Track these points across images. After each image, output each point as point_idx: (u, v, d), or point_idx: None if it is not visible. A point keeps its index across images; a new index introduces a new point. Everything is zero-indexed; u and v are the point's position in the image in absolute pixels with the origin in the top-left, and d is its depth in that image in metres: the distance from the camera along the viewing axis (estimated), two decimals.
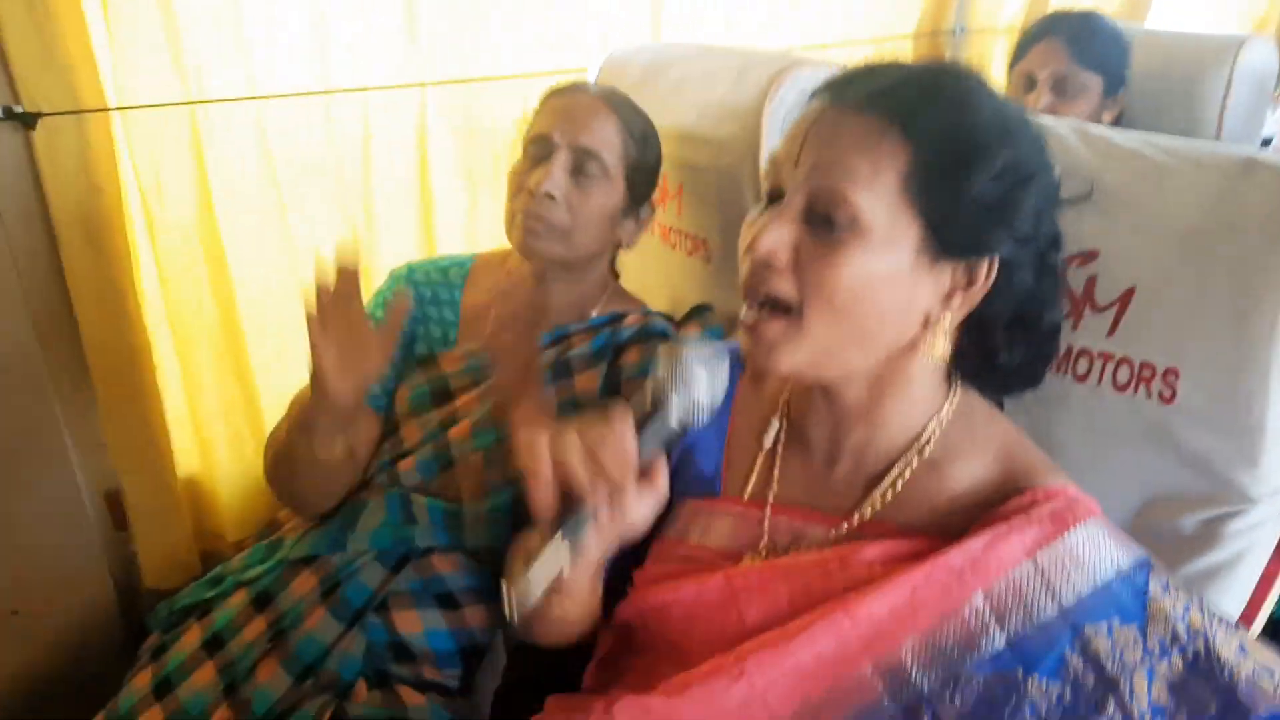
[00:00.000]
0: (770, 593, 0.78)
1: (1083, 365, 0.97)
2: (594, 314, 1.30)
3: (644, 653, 0.86)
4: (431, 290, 1.35)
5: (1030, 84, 1.84)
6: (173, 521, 1.53)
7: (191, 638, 1.20)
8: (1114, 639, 0.69)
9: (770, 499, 0.86)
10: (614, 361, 1.23)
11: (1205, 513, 0.90)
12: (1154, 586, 0.71)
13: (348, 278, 1.01)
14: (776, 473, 0.86)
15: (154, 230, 1.46)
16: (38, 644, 1.46)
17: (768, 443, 0.88)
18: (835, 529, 0.81)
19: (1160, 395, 0.91)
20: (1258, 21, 2.70)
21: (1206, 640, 0.68)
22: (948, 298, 0.75)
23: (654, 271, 1.56)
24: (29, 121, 1.30)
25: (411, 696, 1.12)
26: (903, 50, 2.30)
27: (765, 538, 0.84)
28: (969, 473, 0.79)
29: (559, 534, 0.70)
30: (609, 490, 0.71)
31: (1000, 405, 0.87)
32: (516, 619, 0.69)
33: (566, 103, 1.25)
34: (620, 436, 0.71)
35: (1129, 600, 0.70)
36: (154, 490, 1.51)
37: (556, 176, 1.19)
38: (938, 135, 0.72)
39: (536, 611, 0.76)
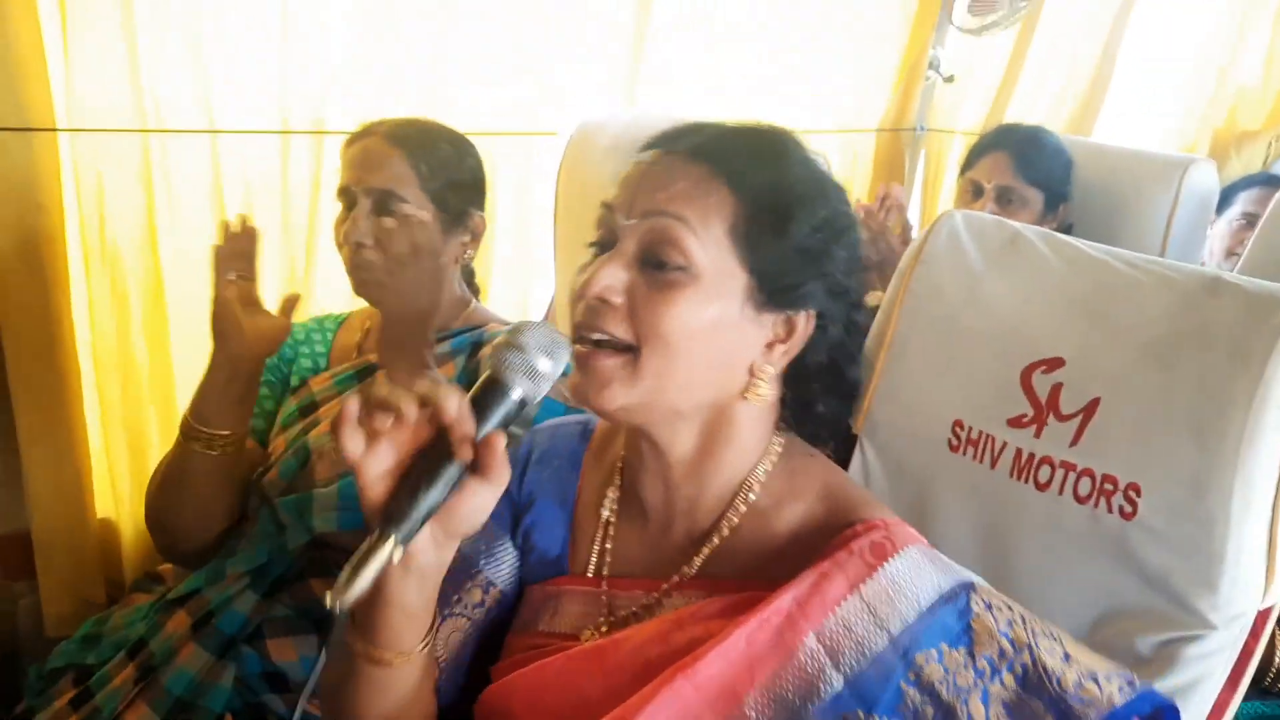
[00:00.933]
0: (609, 667, 0.76)
1: (1044, 474, 0.96)
2: (455, 327, 1.34)
3: None
4: (305, 332, 1.41)
5: (977, 192, 1.93)
6: (85, 561, 1.45)
7: (62, 699, 1.18)
8: (944, 664, 0.69)
9: (605, 572, 0.85)
10: (472, 355, 1.27)
11: (1162, 635, 0.88)
12: (976, 605, 0.72)
13: (244, 238, 1.16)
14: (611, 544, 0.86)
15: (89, 257, 1.39)
16: None
17: (605, 514, 0.87)
18: (668, 588, 0.81)
19: (1121, 510, 0.90)
20: (1189, 145, 2.84)
21: (1032, 653, 0.69)
22: (770, 348, 0.78)
23: None
24: None
25: None
26: (865, 143, 2.36)
27: (605, 612, 0.83)
28: (793, 515, 0.80)
29: (383, 533, 0.64)
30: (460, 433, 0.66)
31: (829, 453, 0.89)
32: (340, 609, 0.63)
33: (356, 151, 1.27)
34: (455, 401, 0.66)
35: (954, 622, 0.71)
36: (69, 528, 1.43)
37: (360, 225, 1.21)
38: (761, 188, 0.75)
39: (369, 624, 0.72)
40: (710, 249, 0.74)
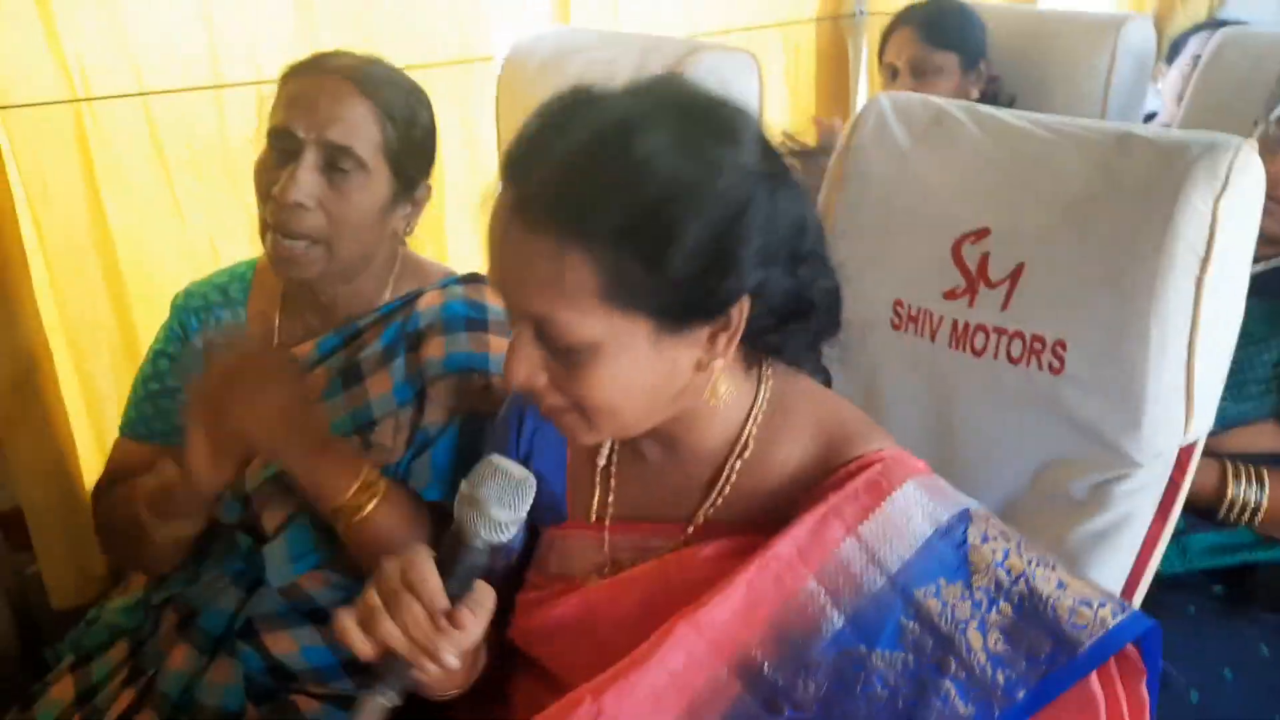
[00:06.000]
0: (617, 607, 0.80)
1: (980, 340, 1.01)
2: (385, 298, 1.17)
3: (522, 675, 0.89)
4: (212, 315, 1.22)
5: (893, 73, 1.97)
6: (80, 538, 1.48)
7: (64, 691, 1.15)
8: (942, 598, 0.72)
9: (607, 519, 0.87)
10: (411, 353, 1.12)
11: (1093, 477, 0.94)
12: (973, 537, 0.74)
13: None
14: (612, 493, 0.88)
15: (42, 232, 1.40)
16: None
17: (601, 461, 0.88)
18: (673, 539, 0.83)
19: (1050, 366, 0.95)
20: (1134, 3, 2.82)
21: (1027, 581, 0.71)
22: (710, 343, 0.74)
23: None
24: None
25: (306, 703, 1.08)
26: (806, 34, 2.34)
27: (608, 556, 0.86)
28: (790, 459, 0.81)
29: (376, 689, 0.71)
30: (421, 650, 0.71)
31: (827, 382, 0.89)
32: None
33: (308, 87, 1.06)
34: (421, 585, 0.71)
35: (950, 555, 0.73)
36: (60, 505, 1.45)
37: (304, 181, 1.02)
38: (619, 233, 0.66)
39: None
40: (594, 322, 0.68)
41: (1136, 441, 0.91)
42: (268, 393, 0.98)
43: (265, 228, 1.07)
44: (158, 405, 1.22)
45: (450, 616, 0.70)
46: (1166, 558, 0.99)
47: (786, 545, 0.73)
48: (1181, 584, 1.19)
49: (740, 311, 0.72)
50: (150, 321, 1.50)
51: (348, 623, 0.71)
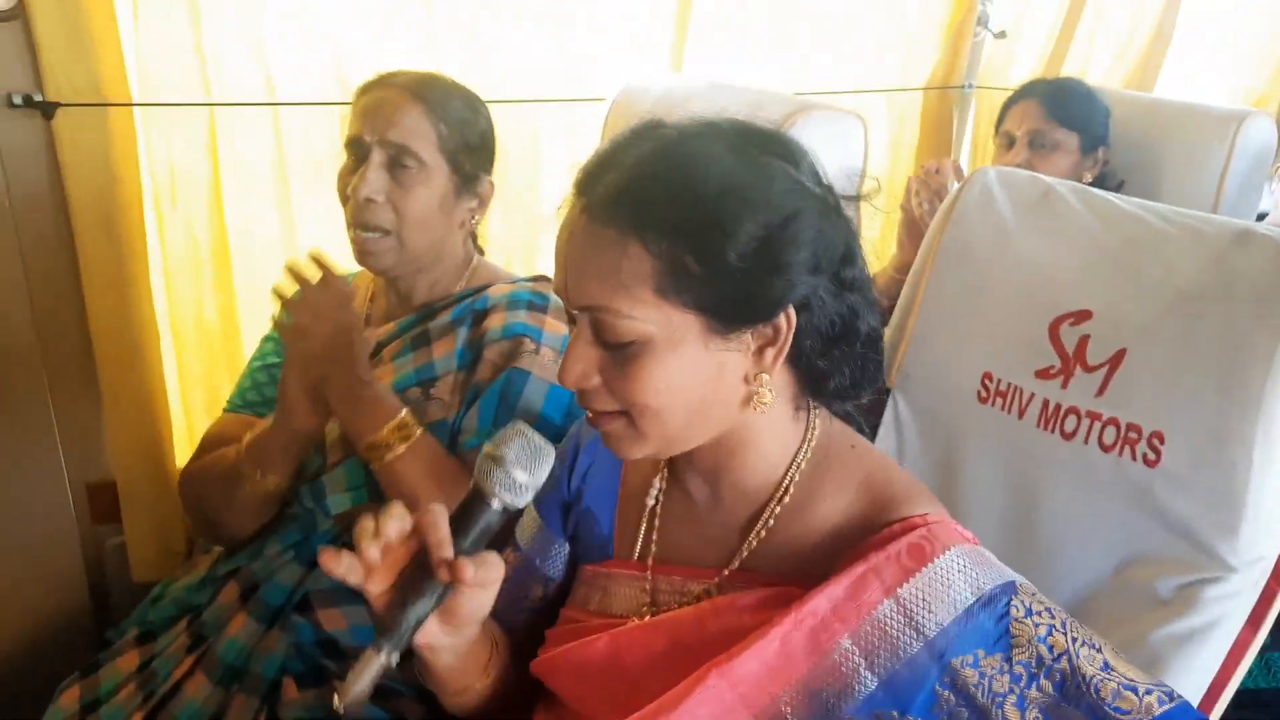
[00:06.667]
0: (650, 650, 0.79)
1: (1070, 423, 0.99)
2: (458, 290, 1.30)
3: (549, 709, 0.89)
4: None
5: (1011, 142, 1.93)
6: (167, 514, 1.54)
7: (128, 663, 1.22)
8: (981, 669, 0.70)
9: (650, 559, 0.87)
10: (475, 325, 1.23)
11: (1182, 577, 0.91)
12: (1016, 610, 0.72)
13: (330, 290, 1.11)
14: (657, 532, 0.88)
15: (163, 225, 1.48)
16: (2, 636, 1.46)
17: (650, 501, 0.89)
18: (710, 582, 0.83)
19: (1145, 458, 0.92)
20: (1257, 99, 2.75)
21: (1070, 660, 0.70)
22: (758, 355, 0.75)
23: None
24: (48, 111, 1.32)
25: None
26: (912, 103, 2.34)
27: (649, 598, 0.86)
28: (833, 511, 0.80)
29: (376, 645, 0.70)
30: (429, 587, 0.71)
31: (865, 431, 0.89)
32: (343, 710, 0.70)
33: (371, 100, 1.21)
34: (432, 529, 0.71)
35: (991, 627, 0.71)
36: (150, 481, 1.51)
37: (373, 179, 1.17)
38: (677, 230, 0.70)
39: (427, 677, 0.82)
40: (649, 313, 0.71)
41: (1232, 544, 0.88)
42: (322, 320, 1.11)
43: (349, 226, 1.21)
44: (257, 381, 1.34)
45: (452, 566, 0.70)
46: (1250, 673, 0.94)
47: (823, 602, 0.72)
48: (1263, 702, 1.13)
49: (788, 322, 0.74)
50: (252, 320, 1.57)
51: (330, 555, 0.70)
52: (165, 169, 1.45)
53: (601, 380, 0.75)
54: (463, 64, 1.67)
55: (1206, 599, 0.89)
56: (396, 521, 0.72)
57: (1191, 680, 0.90)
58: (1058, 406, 1.00)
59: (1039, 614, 0.72)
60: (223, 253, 1.52)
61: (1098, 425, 0.96)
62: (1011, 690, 0.69)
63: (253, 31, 1.48)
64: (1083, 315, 1.00)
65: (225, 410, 1.35)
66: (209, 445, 1.29)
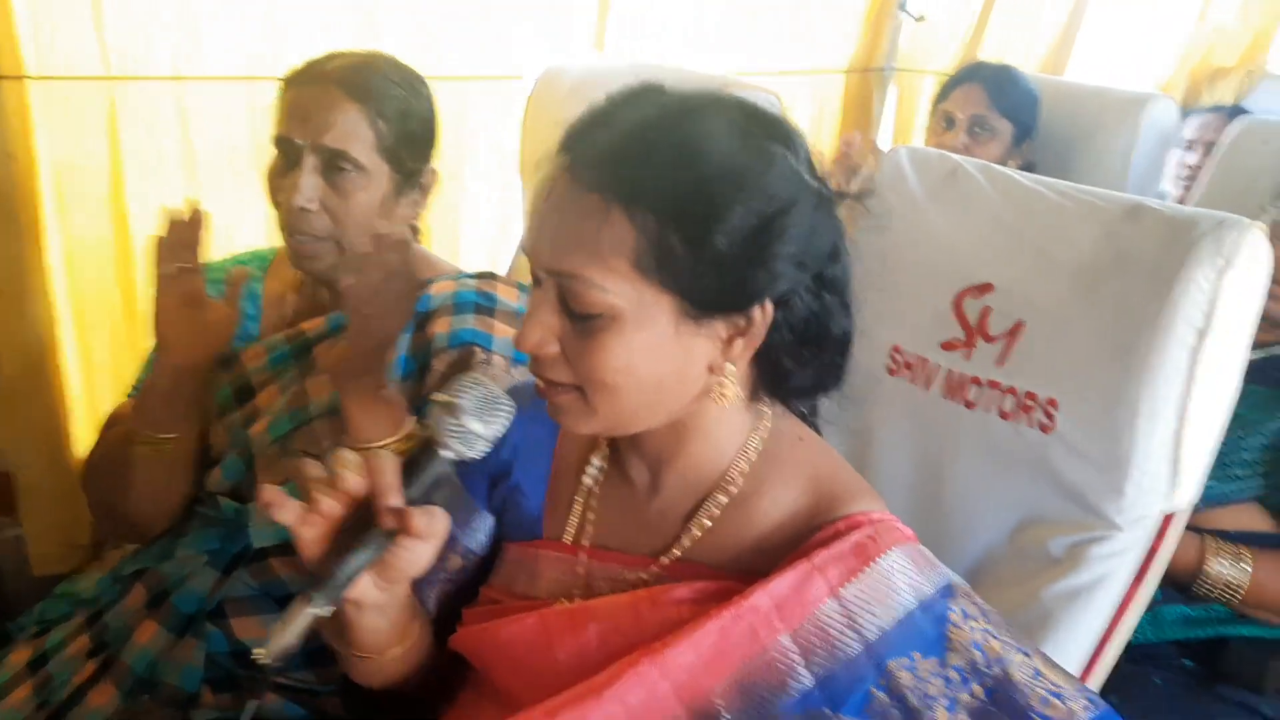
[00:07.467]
0: (581, 634, 0.77)
1: (973, 393, 1.02)
2: None
3: (471, 688, 0.86)
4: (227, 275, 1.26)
5: (950, 123, 1.97)
6: (68, 506, 1.49)
7: (20, 658, 1.16)
8: (916, 672, 0.70)
9: (586, 543, 0.85)
10: (418, 330, 1.15)
11: (1073, 537, 0.94)
12: (954, 615, 0.72)
13: (189, 226, 1.04)
14: (594, 514, 0.85)
15: (64, 206, 1.42)
16: None
17: (587, 481, 0.86)
18: (647, 570, 0.81)
19: (1040, 425, 0.96)
20: (1163, 85, 2.86)
21: (1003, 666, 0.70)
22: (727, 345, 0.73)
23: None
24: None
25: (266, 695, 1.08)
26: (834, 85, 2.37)
27: (582, 581, 0.83)
28: (777, 506, 0.79)
29: (306, 595, 0.67)
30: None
31: (816, 428, 0.88)
32: (268, 662, 0.68)
33: (303, 96, 1.11)
34: (379, 475, 0.68)
35: (930, 630, 0.71)
36: (50, 472, 1.47)
37: (306, 187, 1.08)
38: (664, 204, 0.68)
39: (342, 638, 0.76)
40: (622, 287, 0.69)
41: (1118, 504, 0.92)
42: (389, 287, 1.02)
43: (281, 230, 1.14)
44: None
45: (399, 514, 0.67)
46: (1139, 627, 0.98)
47: (764, 598, 0.71)
48: (1151, 655, 1.19)
49: (763, 316, 0.72)
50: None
51: (273, 492, 0.67)
52: (64, 148, 1.40)
53: (560, 350, 0.72)
54: (400, 37, 1.64)
55: (1095, 556, 0.93)
56: (354, 474, 0.69)
57: (1081, 634, 0.93)
58: (961, 377, 1.03)
59: (975, 619, 0.72)
60: (124, 238, 1.47)
61: (997, 394, 0.99)
62: (944, 694, 0.69)
63: (157, 3, 1.43)
64: (984, 288, 1.03)
65: (129, 396, 1.27)
66: (111, 423, 1.23)
